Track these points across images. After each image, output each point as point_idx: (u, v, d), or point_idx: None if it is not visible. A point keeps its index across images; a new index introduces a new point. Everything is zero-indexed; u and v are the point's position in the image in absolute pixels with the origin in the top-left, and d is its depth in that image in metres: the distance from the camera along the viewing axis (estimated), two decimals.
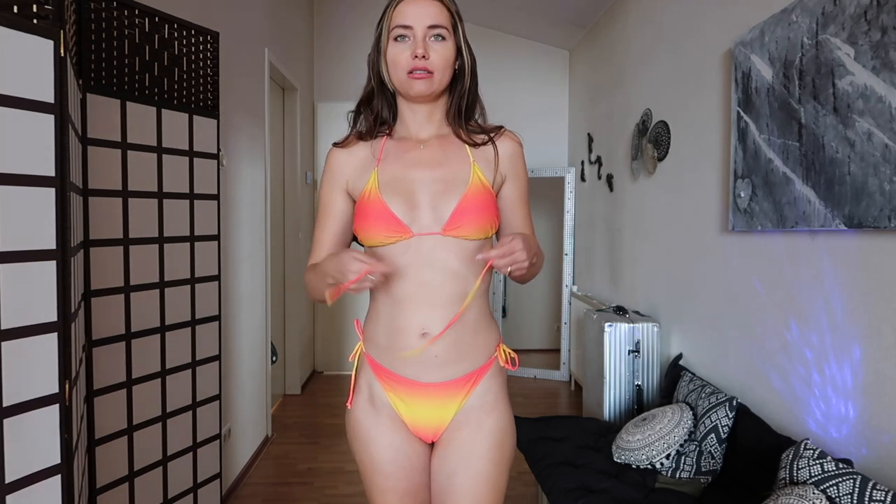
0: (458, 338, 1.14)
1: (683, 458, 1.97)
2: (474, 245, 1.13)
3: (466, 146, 1.19)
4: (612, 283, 3.68)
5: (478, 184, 1.14)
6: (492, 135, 1.20)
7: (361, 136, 1.21)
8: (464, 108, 1.19)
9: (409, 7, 1.10)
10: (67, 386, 1.17)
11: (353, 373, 1.24)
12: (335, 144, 1.23)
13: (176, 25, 1.94)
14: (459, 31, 1.14)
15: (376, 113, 1.20)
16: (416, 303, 1.12)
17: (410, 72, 1.11)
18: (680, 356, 2.55)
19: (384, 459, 1.17)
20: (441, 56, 1.11)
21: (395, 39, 1.11)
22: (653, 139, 2.95)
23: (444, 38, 1.11)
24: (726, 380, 2.24)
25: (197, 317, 2.04)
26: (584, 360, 3.33)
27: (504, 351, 1.21)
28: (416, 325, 1.13)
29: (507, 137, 1.22)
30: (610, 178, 3.69)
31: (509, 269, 1.02)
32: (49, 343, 1.14)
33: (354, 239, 1.25)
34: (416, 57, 1.09)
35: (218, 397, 2.16)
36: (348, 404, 1.23)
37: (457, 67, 1.16)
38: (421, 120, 1.20)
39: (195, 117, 2.01)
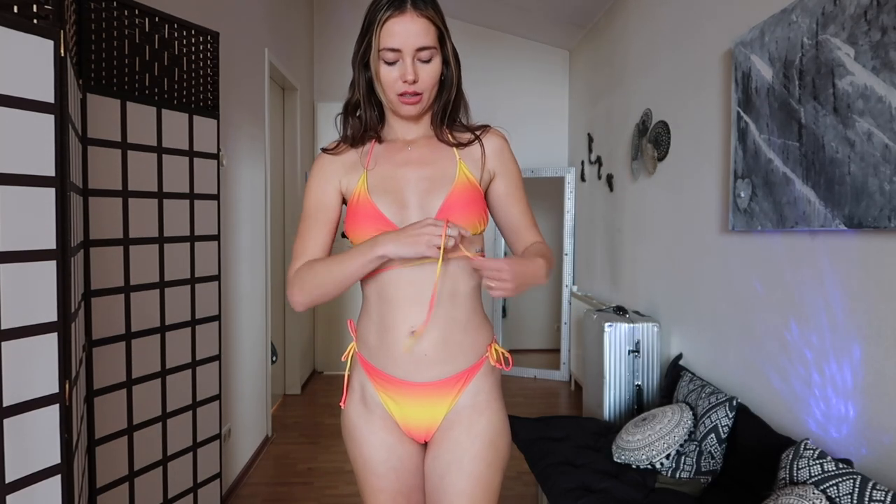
0: (448, 336, 1.14)
1: (683, 458, 1.97)
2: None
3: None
4: (612, 283, 3.68)
5: (464, 181, 1.15)
6: (477, 133, 1.21)
7: (351, 142, 1.21)
8: (448, 113, 1.20)
9: (397, 27, 1.07)
10: (67, 386, 1.17)
11: (346, 373, 1.24)
12: (324, 150, 1.23)
13: (176, 25, 1.94)
14: (447, 43, 1.14)
15: (364, 120, 1.20)
16: (405, 301, 1.13)
17: (401, 94, 1.12)
18: (680, 356, 2.55)
19: (376, 459, 1.18)
20: (429, 75, 1.12)
21: (385, 62, 1.11)
22: (653, 139, 2.95)
23: (431, 58, 1.11)
24: (726, 380, 2.24)
25: (197, 317, 2.04)
26: (584, 360, 3.33)
27: (496, 350, 1.21)
28: (406, 324, 1.13)
29: (491, 134, 1.23)
30: (610, 178, 3.69)
31: (491, 285, 1.04)
32: (49, 343, 1.14)
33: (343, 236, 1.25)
34: (406, 81, 1.10)
35: (218, 397, 2.16)
36: (342, 404, 1.24)
37: (443, 77, 1.16)
38: (408, 123, 1.21)
39: (195, 117, 2.01)
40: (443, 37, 1.13)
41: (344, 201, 1.22)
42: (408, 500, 1.19)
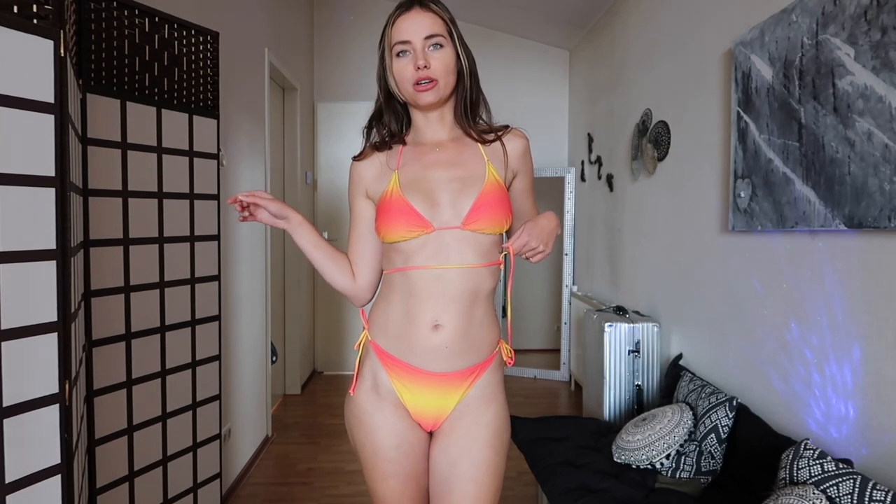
0: (467, 331, 1.20)
1: (683, 458, 1.97)
2: (489, 241, 1.20)
3: (479, 146, 1.25)
4: (612, 283, 3.68)
5: (493, 181, 1.20)
6: (499, 133, 1.27)
7: (377, 148, 1.27)
8: (469, 106, 1.25)
9: (405, 23, 1.17)
10: (67, 386, 1.17)
11: (357, 360, 1.28)
12: (354, 158, 1.30)
13: (176, 25, 1.94)
14: (455, 35, 1.20)
15: (388, 127, 1.27)
16: (431, 296, 1.18)
17: (416, 83, 1.17)
18: (680, 356, 2.55)
19: (388, 445, 1.21)
20: (441, 62, 1.18)
21: (398, 55, 1.18)
22: (653, 139, 2.95)
23: (441, 46, 1.18)
24: (726, 380, 2.24)
25: (197, 317, 2.04)
26: (584, 360, 3.33)
27: (504, 346, 1.29)
28: (430, 317, 1.18)
29: (514, 135, 1.29)
30: (610, 178, 3.70)
31: (525, 256, 1.13)
32: (49, 343, 1.14)
33: None
34: (419, 68, 1.16)
35: (218, 397, 2.16)
36: (351, 391, 1.27)
37: (458, 70, 1.22)
38: (434, 124, 1.26)
39: (195, 117, 2.01)
40: (451, 31, 1.19)
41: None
42: (416, 483, 1.23)
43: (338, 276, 1.28)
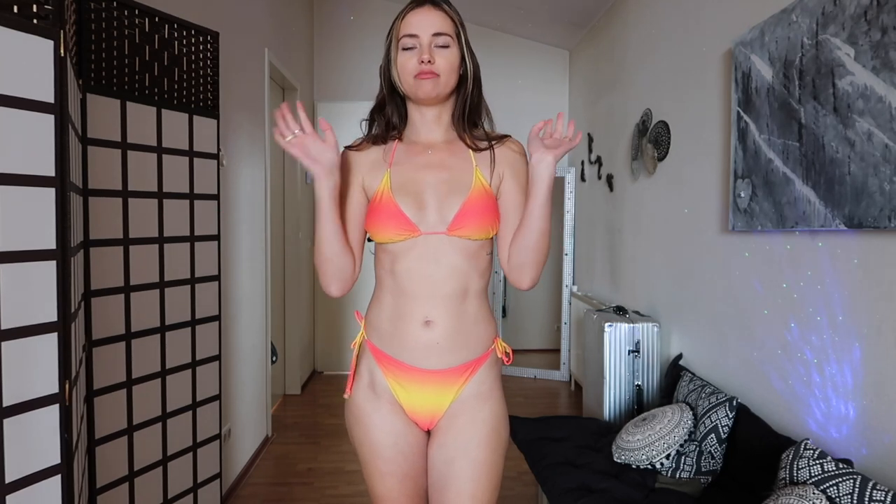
0: (459, 327, 1.20)
1: (683, 458, 1.97)
2: (476, 244, 1.20)
3: (470, 151, 1.24)
4: (612, 283, 3.68)
5: (480, 188, 1.20)
6: (493, 142, 1.25)
7: (373, 141, 1.27)
8: (468, 111, 1.25)
9: (415, 17, 1.17)
10: (67, 386, 1.17)
11: (354, 360, 1.29)
12: (348, 148, 1.28)
13: (176, 25, 1.94)
14: (463, 39, 1.21)
15: (388, 118, 1.27)
16: (420, 296, 1.19)
17: (417, 75, 1.17)
18: (680, 356, 2.55)
19: (385, 444, 1.21)
20: (446, 60, 1.18)
21: (403, 48, 1.18)
22: (653, 139, 2.95)
23: (448, 45, 1.18)
24: (726, 380, 2.24)
25: (197, 317, 2.04)
26: (584, 360, 3.33)
27: (500, 344, 1.28)
28: (421, 314, 1.19)
29: (507, 147, 1.26)
30: (610, 178, 3.69)
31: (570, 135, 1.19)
32: (49, 343, 1.14)
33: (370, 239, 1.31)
34: (423, 62, 1.16)
35: (218, 397, 2.16)
36: (348, 390, 1.27)
37: (461, 73, 1.22)
38: (430, 123, 1.25)
39: (195, 117, 2.01)
40: (459, 33, 1.20)
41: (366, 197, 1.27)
42: (414, 482, 1.23)
43: (343, 259, 1.20)
